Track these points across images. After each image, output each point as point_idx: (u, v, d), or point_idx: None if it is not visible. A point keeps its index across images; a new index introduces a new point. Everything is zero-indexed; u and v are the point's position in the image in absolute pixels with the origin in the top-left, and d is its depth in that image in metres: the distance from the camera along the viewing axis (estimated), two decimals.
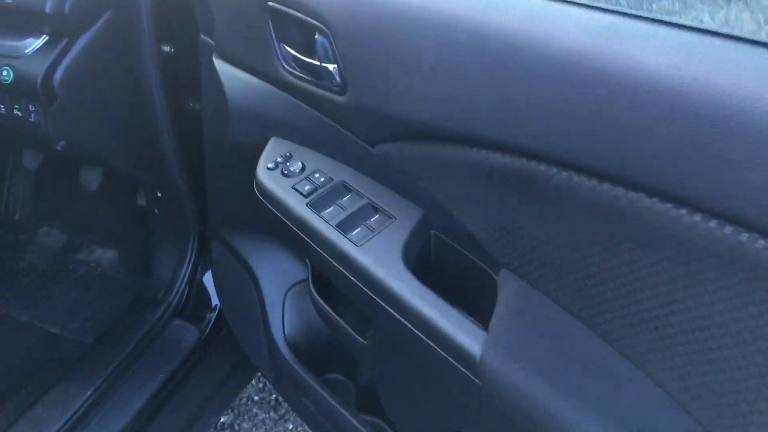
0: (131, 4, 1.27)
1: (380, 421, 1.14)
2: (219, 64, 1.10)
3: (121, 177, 1.80)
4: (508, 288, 0.78)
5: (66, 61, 1.24)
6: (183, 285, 1.58)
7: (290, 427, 1.94)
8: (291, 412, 1.95)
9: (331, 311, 1.06)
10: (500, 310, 0.76)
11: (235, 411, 2.02)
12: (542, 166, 0.68)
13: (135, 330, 1.55)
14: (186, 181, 1.49)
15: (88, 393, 1.39)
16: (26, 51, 1.25)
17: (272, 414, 1.97)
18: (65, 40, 1.24)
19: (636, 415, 0.65)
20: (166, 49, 1.36)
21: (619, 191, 0.61)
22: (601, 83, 0.60)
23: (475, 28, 0.70)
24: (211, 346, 1.57)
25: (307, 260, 1.14)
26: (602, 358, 0.68)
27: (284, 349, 1.23)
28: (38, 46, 1.25)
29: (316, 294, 1.08)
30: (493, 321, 0.76)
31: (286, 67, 0.97)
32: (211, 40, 1.15)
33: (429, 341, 0.79)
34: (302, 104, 0.99)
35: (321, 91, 0.92)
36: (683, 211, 0.57)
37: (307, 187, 0.96)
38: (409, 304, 0.80)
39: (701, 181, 0.55)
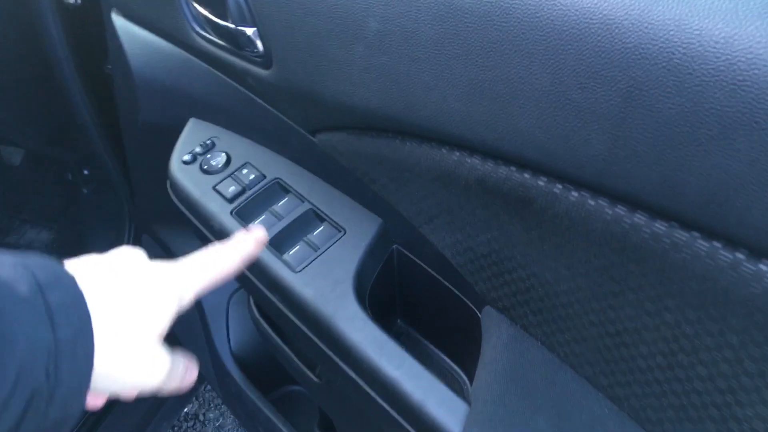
0: None
1: None
2: (119, 22, 0.86)
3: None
4: (496, 333, 0.57)
5: None
6: None
7: None
8: None
9: (276, 337, 0.84)
10: (486, 367, 0.56)
11: (200, 399, 1.84)
12: (542, 182, 0.46)
13: None
14: (112, 157, 1.26)
15: None
16: None
17: None
18: None
19: None
20: (70, 0, 1.10)
21: (660, 227, 0.40)
22: (642, 60, 0.38)
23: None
24: None
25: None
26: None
27: (230, 364, 1.03)
28: None
29: (257, 314, 0.87)
30: (476, 383, 0.56)
31: (198, 29, 0.73)
32: None
33: (391, 409, 0.58)
34: (224, 77, 0.76)
35: (242, 63, 0.69)
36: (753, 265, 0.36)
37: (232, 188, 0.73)
38: (364, 357, 0.59)
39: None
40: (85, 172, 1.35)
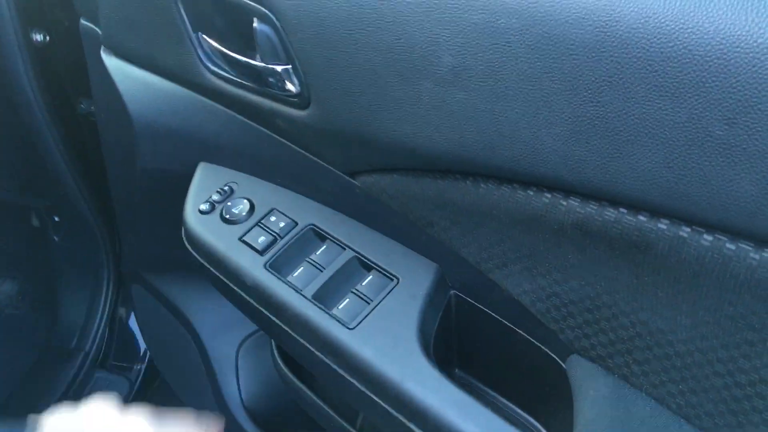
0: None
1: None
2: (110, 61, 0.79)
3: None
4: (592, 385, 0.52)
5: None
6: (101, 329, 1.27)
7: None
8: None
9: (310, 393, 0.78)
10: (589, 424, 0.51)
11: None
12: (665, 225, 0.42)
13: (48, 388, 1.24)
14: (89, 202, 1.17)
15: None
16: None
17: None
18: None
19: None
20: (39, 37, 1.02)
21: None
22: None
23: (526, 10, 0.43)
24: (144, 400, 1.28)
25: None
26: None
27: (242, 418, 0.96)
28: None
29: (285, 368, 0.80)
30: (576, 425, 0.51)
31: (211, 67, 0.67)
32: (95, 27, 0.83)
33: None
34: (240, 117, 0.70)
35: (270, 103, 0.63)
36: None
37: (262, 239, 0.67)
38: (445, 421, 0.54)
39: None
40: (56, 218, 1.26)
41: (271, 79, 0.61)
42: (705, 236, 0.40)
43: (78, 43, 0.96)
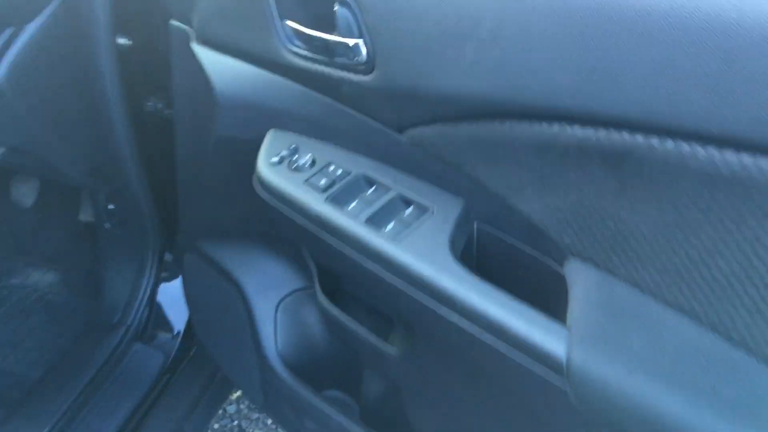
0: None
1: None
2: (201, 51, 0.98)
3: (62, 190, 1.62)
4: (583, 279, 0.69)
5: (11, 53, 1.08)
6: (143, 305, 1.43)
7: None
8: None
9: (346, 318, 0.94)
10: (577, 304, 0.68)
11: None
12: (640, 137, 0.60)
13: (90, 359, 1.39)
14: (146, 190, 1.35)
15: None
16: None
17: None
18: (9, 30, 1.08)
19: (763, 408, 0.58)
20: (123, 41, 1.21)
21: (747, 159, 0.54)
22: (731, 34, 0.52)
23: None
24: (176, 372, 1.42)
25: (312, 265, 1.02)
26: (712, 350, 0.61)
27: (279, 366, 1.11)
28: None
29: (325, 300, 0.97)
30: (571, 315, 0.68)
31: (291, 47, 0.86)
32: (185, 26, 1.02)
33: (498, 345, 0.69)
34: (308, 90, 0.88)
35: (338, 72, 0.82)
36: None
37: (323, 181, 0.85)
38: (469, 303, 0.70)
39: None
40: (110, 206, 1.42)
41: (342, 52, 0.80)
42: (669, 141, 0.58)
43: (153, 47, 1.15)
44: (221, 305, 1.19)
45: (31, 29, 1.09)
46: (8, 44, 1.08)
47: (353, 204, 0.82)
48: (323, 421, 1.06)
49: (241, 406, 1.91)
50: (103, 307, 1.46)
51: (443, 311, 0.73)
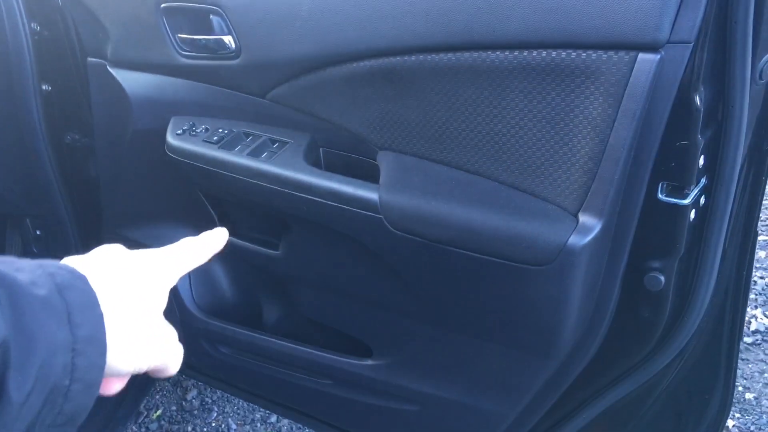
0: (13, 48, 1.48)
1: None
2: (115, 72, 1.35)
3: None
4: (386, 160, 1.10)
5: None
6: None
7: None
8: None
9: (242, 242, 1.30)
10: (383, 173, 1.08)
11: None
12: (397, 58, 1.02)
13: None
14: (69, 211, 1.65)
15: None
16: None
17: None
18: None
19: (477, 196, 1.00)
20: (46, 87, 1.56)
21: (445, 56, 0.97)
22: None
23: None
24: None
25: (213, 212, 1.37)
26: (456, 177, 1.03)
27: (195, 309, 1.43)
28: None
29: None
30: (381, 180, 1.08)
31: (182, 52, 1.25)
32: (100, 60, 1.39)
33: (342, 206, 1.08)
34: (197, 83, 1.27)
35: (217, 62, 1.22)
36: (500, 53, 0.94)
37: (215, 138, 1.23)
38: (318, 184, 1.09)
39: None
40: (38, 232, 1.72)
41: (218, 47, 1.20)
42: (412, 57, 1.01)
43: (67, 90, 1.50)
44: None
45: None
46: None
47: (237, 148, 1.20)
48: (234, 342, 1.39)
49: (162, 422, 2.15)
50: None
51: (305, 196, 1.11)
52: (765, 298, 2.55)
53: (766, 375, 2.21)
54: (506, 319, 1.05)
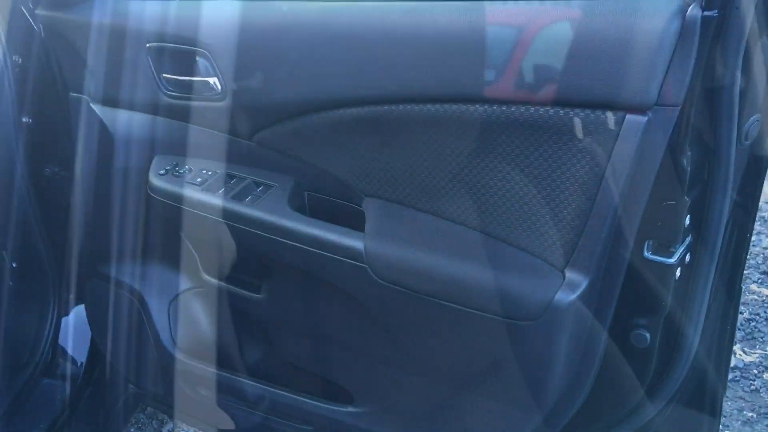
0: None
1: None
2: (98, 108, 1.33)
3: None
4: (372, 207, 1.09)
5: None
6: (47, 345, 1.67)
7: None
8: None
9: (224, 285, 1.28)
10: (369, 221, 1.07)
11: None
12: (384, 107, 1.02)
13: (2, 395, 1.60)
14: (47, 244, 1.62)
15: None
16: None
17: None
18: None
19: (464, 248, 0.99)
20: (26, 119, 1.54)
21: (432, 107, 0.97)
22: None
23: (322, 27, 1.05)
24: (81, 401, 1.66)
25: (196, 255, 1.35)
26: (443, 227, 1.02)
27: (173, 349, 1.41)
28: None
29: (207, 276, 1.30)
30: (366, 228, 1.07)
31: (167, 92, 1.24)
32: (82, 95, 1.37)
33: (325, 254, 1.06)
34: (181, 123, 1.25)
35: (202, 103, 1.20)
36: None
37: (199, 179, 1.21)
38: (302, 231, 1.08)
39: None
40: (14, 264, 1.68)
41: (203, 89, 1.19)
42: (399, 106, 1.00)
43: (48, 123, 1.48)
44: (122, 315, 1.48)
45: None
46: None
47: (221, 190, 1.19)
48: (213, 384, 1.37)
49: None
50: (11, 349, 1.68)
51: (288, 242, 1.10)
52: (743, 333, 2.56)
53: (744, 413, 2.21)
54: (491, 372, 1.04)
